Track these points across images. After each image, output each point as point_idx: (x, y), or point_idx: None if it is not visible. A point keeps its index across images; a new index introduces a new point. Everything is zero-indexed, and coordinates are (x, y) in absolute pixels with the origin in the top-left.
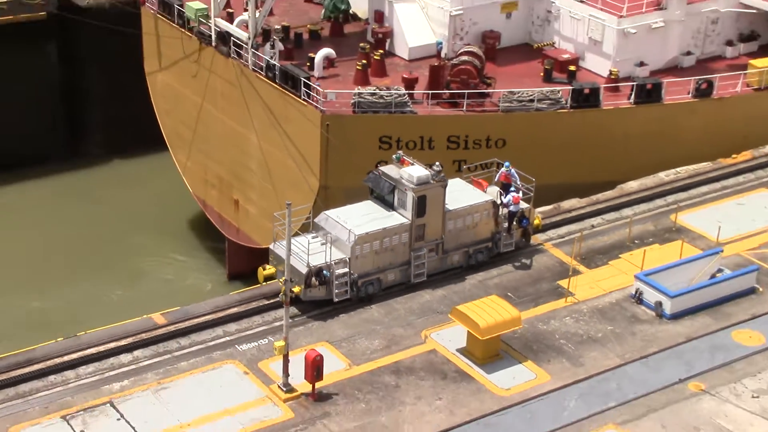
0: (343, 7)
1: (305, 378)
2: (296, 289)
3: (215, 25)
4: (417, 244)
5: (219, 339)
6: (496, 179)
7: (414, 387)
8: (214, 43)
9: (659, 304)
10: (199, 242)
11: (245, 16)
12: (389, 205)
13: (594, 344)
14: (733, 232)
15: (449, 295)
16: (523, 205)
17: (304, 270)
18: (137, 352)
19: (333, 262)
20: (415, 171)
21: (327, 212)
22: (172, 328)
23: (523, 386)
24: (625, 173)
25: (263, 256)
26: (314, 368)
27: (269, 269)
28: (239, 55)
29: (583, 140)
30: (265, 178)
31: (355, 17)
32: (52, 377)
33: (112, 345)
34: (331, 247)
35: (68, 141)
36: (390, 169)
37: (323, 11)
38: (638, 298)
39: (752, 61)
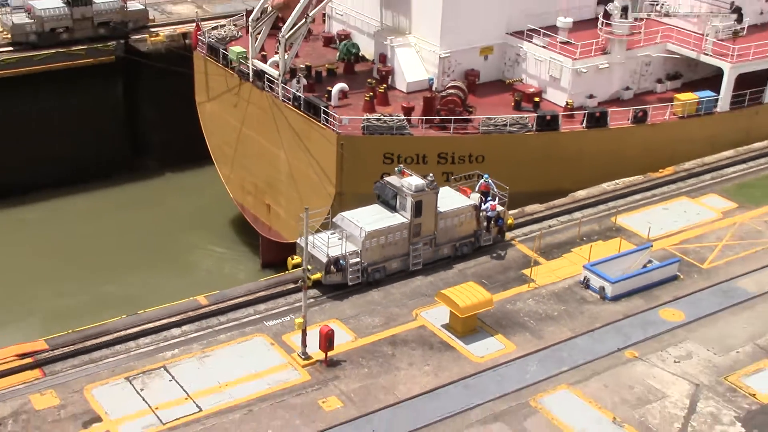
0: (354, 50)
1: (319, 348)
2: (318, 275)
3: (252, 65)
4: (414, 239)
5: (250, 317)
6: (477, 188)
7: (407, 355)
8: (251, 79)
9: (602, 288)
10: (238, 238)
11: (276, 57)
12: (392, 208)
13: (550, 321)
14: (660, 231)
15: (435, 282)
16: (499, 208)
17: (324, 260)
18: (185, 327)
19: (347, 254)
20: (413, 181)
21: (342, 213)
22: (213, 307)
23: (494, 354)
24: (578, 183)
25: (290, 249)
26: (327, 340)
27: (296, 259)
28: (271, 88)
29: (545, 157)
30: (292, 187)
31: (363, 59)
32: (117, 346)
33: (165, 321)
34: (345, 242)
35: (130, 158)
36: (393, 180)
37: (338, 54)
38: (586, 284)
39: (677, 95)
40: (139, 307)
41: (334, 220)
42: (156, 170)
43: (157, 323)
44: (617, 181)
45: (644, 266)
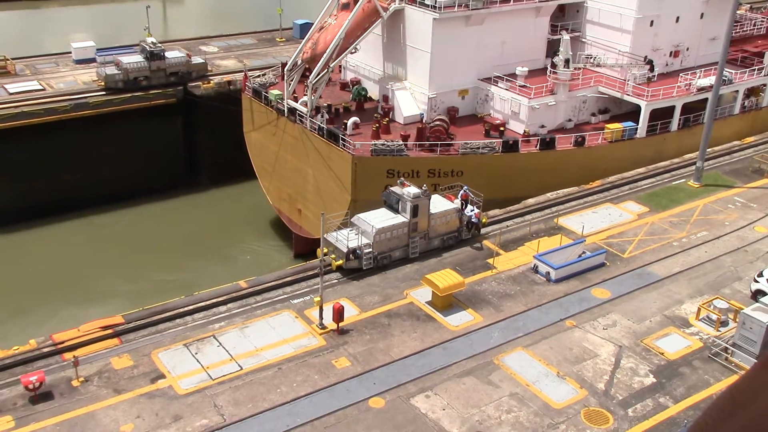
0: (363, 93)
1: (333, 320)
2: (340, 262)
3: (287, 104)
4: (413, 234)
5: (280, 296)
6: (459, 196)
7: (399, 325)
8: (286, 115)
9: (548, 273)
10: (276, 235)
11: (305, 98)
12: (396, 211)
13: (509, 298)
14: (591, 229)
15: (421, 269)
16: (477, 210)
17: (345, 250)
18: (230, 304)
19: (362, 245)
20: (411, 190)
21: (359, 215)
22: (251, 289)
23: (465, 324)
24: (533, 192)
25: (316, 243)
26: (338, 314)
27: (325, 249)
28: (302, 121)
29: (508, 172)
30: (317, 195)
31: (370, 99)
32: (177, 320)
33: (214, 300)
34: (361, 236)
35: (187, 176)
36: (396, 189)
37: (351, 95)
38: (535, 270)
39: (607, 125)
40: (199, 289)
41: (352, 220)
42: (208, 186)
43: (208, 302)
44: (558, 191)
45: (579, 256)
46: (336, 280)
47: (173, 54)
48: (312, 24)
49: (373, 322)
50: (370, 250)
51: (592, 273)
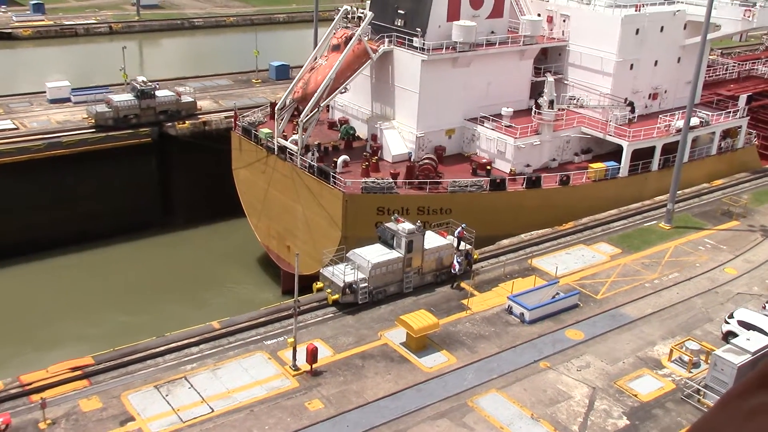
0: (351, 132)
1: (306, 361)
2: (336, 296)
3: (277, 142)
4: (407, 269)
5: (253, 337)
6: (455, 234)
7: (373, 367)
8: (276, 153)
9: (522, 314)
10: (264, 272)
11: (295, 137)
12: (390, 246)
13: (483, 339)
14: (564, 270)
15: (395, 310)
16: (468, 247)
17: (341, 284)
18: (202, 345)
19: (358, 280)
20: (406, 226)
21: (354, 250)
22: (223, 330)
23: (440, 365)
24: (520, 229)
25: (305, 279)
26: (312, 355)
27: (319, 284)
28: (292, 159)
29: (496, 209)
30: (306, 232)
31: (358, 138)
32: (148, 361)
33: (186, 341)
34: (357, 271)
35: (162, 215)
36: (391, 225)
37: (340, 134)
38: (509, 311)
39: (590, 165)
40: (172, 330)
41: (347, 254)
42: (182, 225)
43: (180, 343)
44: (531, 233)
45: (553, 297)
46: (345, 310)
47: (163, 93)
48: (288, 66)
49: (347, 364)
50: (366, 284)
51: (566, 314)
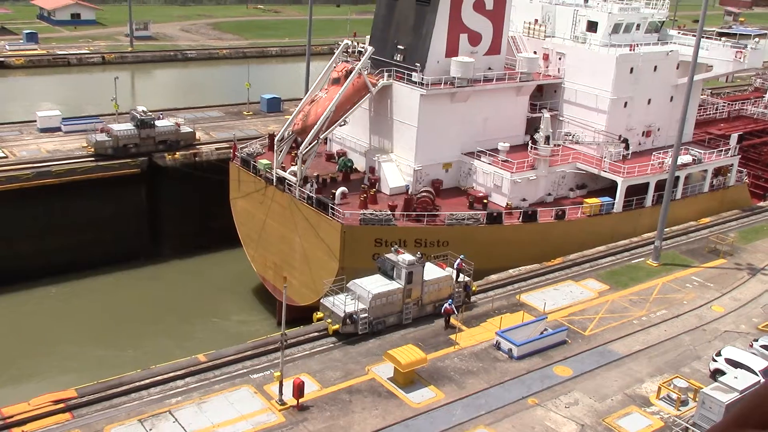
0: (349, 164)
1: (293, 395)
2: (337, 326)
3: (276, 173)
4: (407, 300)
5: (239, 371)
6: (455, 265)
7: (360, 402)
8: (275, 184)
9: (510, 350)
10: (260, 303)
11: (294, 168)
12: (390, 277)
13: (471, 375)
14: (553, 306)
15: (383, 344)
16: (467, 278)
17: (342, 314)
18: (188, 379)
19: (359, 310)
20: (406, 257)
21: (355, 281)
22: (209, 363)
23: (428, 401)
24: (516, 262)
25: (301, 310)
26: (298, 390)
27: (319, 314)
28: (290, 190)
29: (492, 243)
30: (304, 263)
31: (356, 170)
32: (133, 394)
33: (172, 374)
34: (357, 302)
35: (150, 245)
36: (391, 256)
37: (338, 166)
38: (498, 346)
39: (585, 200)
40: (169, 361)
41: (348, 285)
42: (170, 255)
43: (165, 376)
44: (520, 268)
45: (541, 333)
46: (346, 340)
47: (163, 123)
48: (279, 99)
49: (334, 399)
50: (366, 315)
51: (554, 350)
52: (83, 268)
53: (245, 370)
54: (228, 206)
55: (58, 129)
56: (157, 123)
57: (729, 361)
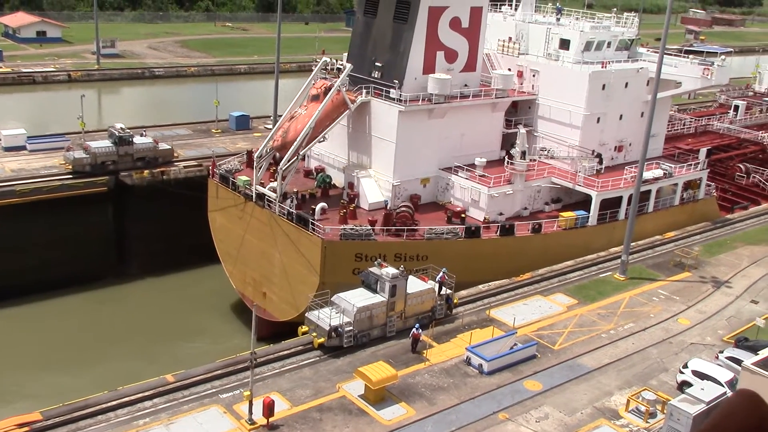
0: (328, 180)
1: (263, 415)
2: (322, 339)
3: (255, 189)
4: (390, 313)
5: (208, 390)
6: (438, 278)
7: (331, 420)
8: (254, 200)
9: (480, 365)
10: (238, 318)
11: (273, 184)
12: (374, 291)
13: (442, 391)
14: (522, 321)
15: (353, 361)
16: (449, 291)
17: (327, 328)
18: (156, 400)
19: (344, 323)
20: (389, 271)
21: (339, 294)
22: (178, 384)
23: (399, 418)
24: (494, 275)
25: (281, 326)
26: (268, 409)
27: (305, 328)
28: (270, 206)
29: (471, 256)
30: (284, 279)
31: (334, 186)
32: (100, 416)
33: (140, 395)
34: (342, 315)
35: (116, 265)
36: (375, 270)
37: (316, 182)
38: (468, 362)
39: (561, 213)
40: (136, 382)
41: (332, 299)
42: (137, 274)
43: (132, 397)
44: (490, 283)
45: (511, 348)
46: (331, 353)
47: (141, 140)
48: (248, 116)
49: (305, 417)
50: (351, 328)
51: (524, 365)
52: (48, 289)
53: (214, 390)
54: (201, 223)
55: (23, 148)
56: (136, 140)
57: (696, 373)
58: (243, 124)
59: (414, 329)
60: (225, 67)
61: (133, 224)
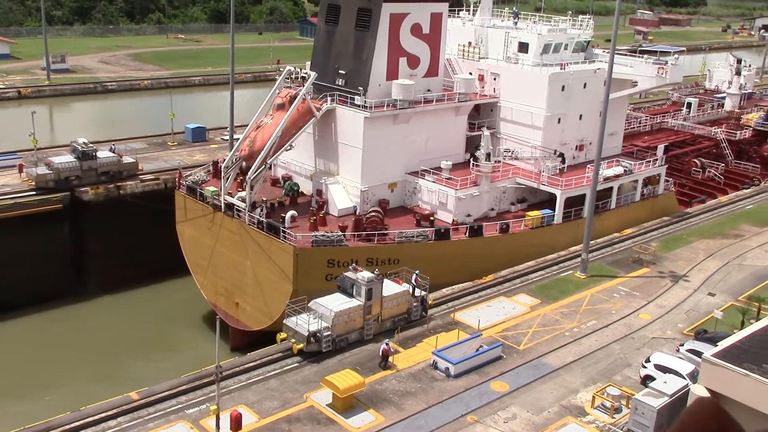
0: (295, 188)
1: (230, 428)
2: (301, 345)
3: (224, 199)
4: (367, 316)
5: (174, 407)
6: (412, 280)
7: (300, 430)
8: (223, 210)
9: (447, 368)
10: (210, 329)
11: (242, 194)
12: (350, 295)
13: (410, 396)
14: (487, 322)
15: (321, 370)
16: (423, 293)
17: (305, 333)
18: (120, 418)
19: (322, 328)
20: (365, 275)
21: (316, 300)
22: (143, 401)
23: (367, 425)
24: (464, 276)
25: (254, 335)
26: (236, 422)
27: (283, 335)
28: (239, 216)
29: (441, 258)
30: (256, 288)
31: (302, 194)
32: None
33: (103, 414)
34: (320, 320)
35: (74, 283)
36: (350, 274)
37: (284, 190)
38: (435, 366)
39: (527, 213)
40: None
41: (309, 304)
42: (96, 292)
43: (96, 417)
44: (453, 286)
45: (477, 350)
46: (310, 359)
47: (104, 154)
48: (204, 128)
49: (273, 429)
50: (330, 333)
51: (490, 366)
52: (4, 310)
53: (180, 406)
54: (163, 236)
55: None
56: (99, 154)
57: (658, 367)
58: (199, 136)
59: (384, 344)
60: (179, 79)
61: (90, 240)
